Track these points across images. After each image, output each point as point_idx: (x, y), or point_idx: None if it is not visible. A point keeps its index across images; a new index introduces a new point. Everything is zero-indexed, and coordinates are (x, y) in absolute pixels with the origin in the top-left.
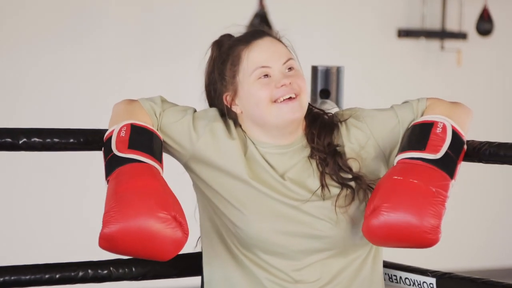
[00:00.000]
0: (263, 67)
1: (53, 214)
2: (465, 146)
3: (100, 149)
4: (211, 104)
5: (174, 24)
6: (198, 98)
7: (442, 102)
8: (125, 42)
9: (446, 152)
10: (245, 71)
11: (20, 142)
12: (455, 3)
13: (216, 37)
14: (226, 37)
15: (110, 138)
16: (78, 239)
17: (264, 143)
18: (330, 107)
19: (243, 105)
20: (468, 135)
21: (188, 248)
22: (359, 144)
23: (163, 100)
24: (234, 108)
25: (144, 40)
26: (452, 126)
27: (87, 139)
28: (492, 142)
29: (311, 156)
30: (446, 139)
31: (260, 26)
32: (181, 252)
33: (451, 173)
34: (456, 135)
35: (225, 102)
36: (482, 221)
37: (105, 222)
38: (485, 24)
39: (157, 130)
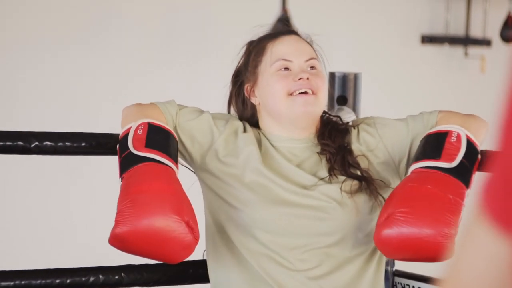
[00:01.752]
0: (284, 60)
1: (61, 218)
2: (479, 156)
3: (113, 153)
4: (231, 97)
5: (195, 27)
6: (218, 101)
7: (456, 114)
8: (143, 44)
9: (461, 161)
10: (266, 62)
11: (32, 145)
12: (479, 9)
13: (239, 40)
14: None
15: (126, 136)
16: (87, 243)
17: (277, 136)
18: (347, 113)
19: (261, 95)
20: (486, 145)
21: (200, 254)
22: (368, 147)
23: (174, 103)
24: (252, 100)
25: (163, 42)
26: (467, 136)
27: (99, 143)
28: None
29: (321, 153)
30: (461, 148)
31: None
32: (194, 259)
33: (467, 182)
34: (470, 144)
35: (245, 93)
36: None
37: (118, 222)
38: (509, 31)
39: (174, 130)
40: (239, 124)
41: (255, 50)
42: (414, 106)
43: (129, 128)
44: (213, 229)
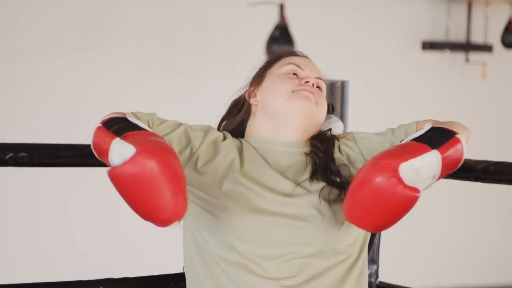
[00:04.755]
0: (296, 65)
1: (62, 227)
2: (460, 138)
3: (94, 165)
4: (236, 102)
5: (195, 37)
6: (216, 111)
7: (434, 120)
8: (143, 55)
9: (431, 128)
10: (278, 66)
11: (7, 157)
12: (480, 15)
13: (236, 50)
14: None
15: (114, 118)
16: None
17: (265, 139)
18: (334, 122)
19: (262, 94)
20: (475, 151)
21: (181, 268)
22: (349, 159)
23: (154, 114)
24: (251, 101)
25: (163, 53)
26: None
27: (82, 153)
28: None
29: (309, 154)
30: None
31: (283, 41)
32: (175, 272)
33: (433, 144)
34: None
35: (246, 95)
36: (492, 239)
37: (140, 151)
38: (510, 36)
39: None
40: (218, 133)
41: (270, 57)
42: (415, 113)
43: (115, 115)
44: (190, 244)
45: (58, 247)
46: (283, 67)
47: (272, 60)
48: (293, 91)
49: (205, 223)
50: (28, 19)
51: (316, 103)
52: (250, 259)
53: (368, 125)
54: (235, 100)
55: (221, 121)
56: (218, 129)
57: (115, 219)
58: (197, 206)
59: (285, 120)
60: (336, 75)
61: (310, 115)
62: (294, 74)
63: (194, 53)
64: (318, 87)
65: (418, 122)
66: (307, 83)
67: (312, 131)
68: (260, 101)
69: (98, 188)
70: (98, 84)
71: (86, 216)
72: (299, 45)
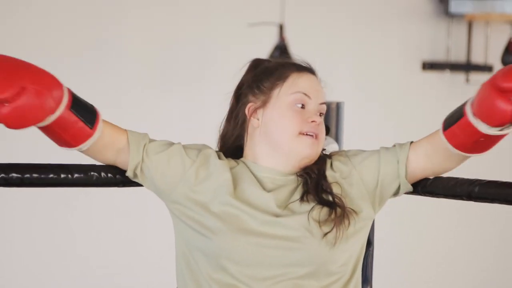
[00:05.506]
0: (305, 94)
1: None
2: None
3: (84, 186)
4: (230, 112)
5: (194, 57)
6: (215, 130)
7: (429, 138)
8: (143, 74)
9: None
10: (286, 89)
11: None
12: (480, 35)
13: (236, 68)
14: (266, 60)
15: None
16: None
17: (261, 166)
18: (329, 143)
19: (267, 122)
20: (474, 170)
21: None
22: (341, 175)
23: (147, 135)
24: (252, 120)
25: (163, 72)
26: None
27: (107, 175)
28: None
29: (301, 175)
30: None
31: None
32: None
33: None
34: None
35: (246, 111)
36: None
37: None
38: (510, 57)
39: (141, 161)
40: (212, 152)
41: (276, 73)
42: (415, 133)
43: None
44: (182, 264)
45: (57, 256)
46: (291, 95)
47: (279, 77)
48: (299, 133)
49: (196, 244)
50: (27, 39)
51: (318, 138)
52: (241, 280)
53: (367, 145)
54: (234, 108)
55: (221, 135)
56: (218, 144)
57: (116, 231)
58: (188, 227)
59: (286, 157)
60: (335, 95)
61: (313, 157)
62: (302, 105)
63: (194, 73)
64: (321, 113)
65: (412, 142)
66: (313, 123)
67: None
68: (263, 127)
69: (98, 202)
70: (97, 103)
71: (87, 226)
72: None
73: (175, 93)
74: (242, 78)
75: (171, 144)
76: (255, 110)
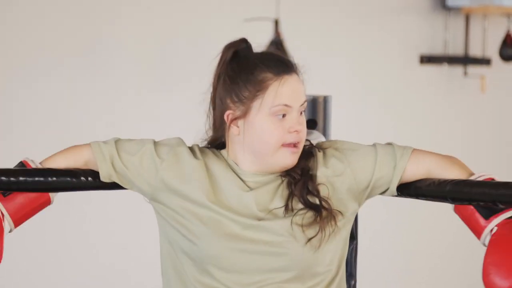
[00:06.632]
0: (286, 105)
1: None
2: None
3: (76, 189)
4: (214, 108)
5: (189, 53)
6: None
7: (434, 155)
8: (138, 70)
9: None
10: (267, 102)
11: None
12: (478, 28)
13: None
14: (243, 44)
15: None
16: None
17: (243, 170)
18: (317, 137)
19: (248, 131)
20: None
21: None
22: (335, 172)
23: (117, 140)
24: (232, 127)
25: (158, 68)
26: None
27: (57, 179)
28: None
29: (284, 176)
30: None
31: (282, 52)
32: None
33: None
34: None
35: (225, 118)
36: None
37: None
38: (508, 50)
39: (111, 167)
40: (185, 150)
41: (253, 81)
42: (414, 127)
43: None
44: (168, 265)
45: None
46: (272, 108)
47: (260, 88)
48: (282, 145)
49: (181, 246)
50: (22, 37)
51: (298, 145)
52: (227, 285)
53: (365, 139)
54: (213, 104)
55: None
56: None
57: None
58: (173, 228)
59: (267, 165)
60: (332, 90)
61: (293, 164)
62: (283, 115)
63: (189, 68)
64: (301, 112)
65: (413, 150)
66: (296, 132)
67: None
68: (243, 136)
69: (94, 206)
70: (93, 106)
71: (83, 235)
72: (295, 60)
73: (169, 90)
74: (218, 68)
75: (143, 143)
76: (236, 119)
